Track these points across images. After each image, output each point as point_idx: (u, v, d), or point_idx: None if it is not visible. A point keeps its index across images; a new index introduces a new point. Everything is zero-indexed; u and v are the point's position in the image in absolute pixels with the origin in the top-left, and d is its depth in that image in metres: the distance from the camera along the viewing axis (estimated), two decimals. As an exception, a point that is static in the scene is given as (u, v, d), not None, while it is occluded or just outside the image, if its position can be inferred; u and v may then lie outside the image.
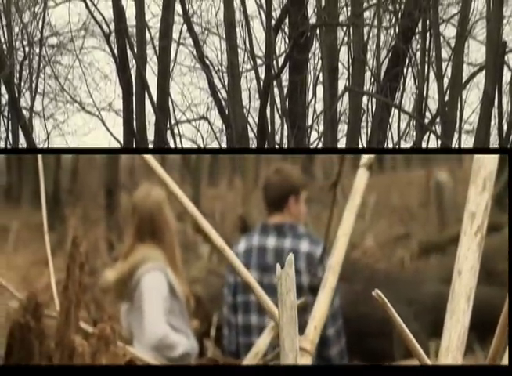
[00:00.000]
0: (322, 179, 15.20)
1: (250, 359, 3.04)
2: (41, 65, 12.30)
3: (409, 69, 11.40)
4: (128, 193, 10.67)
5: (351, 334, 4.42)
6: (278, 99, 11.03)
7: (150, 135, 11.12)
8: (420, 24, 10.77)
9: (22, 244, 10.56)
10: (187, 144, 12.37)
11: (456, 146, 10.24)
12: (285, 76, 11.26)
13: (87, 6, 11.45)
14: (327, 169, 16.08)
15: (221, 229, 7.62)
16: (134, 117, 11.01)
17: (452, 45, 10.78)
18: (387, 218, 12.07)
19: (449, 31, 11.48)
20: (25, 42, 12.18)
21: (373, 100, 11.01)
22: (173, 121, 11.65)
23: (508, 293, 2.03)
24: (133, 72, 11.10)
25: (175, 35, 11.43)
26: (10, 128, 12.46)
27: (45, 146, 12.90)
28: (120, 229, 10.06)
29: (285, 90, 11.22)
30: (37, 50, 12.10)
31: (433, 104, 11.20)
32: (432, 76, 10.70)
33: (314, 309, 2.80)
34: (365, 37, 10.83)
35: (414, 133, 11.09)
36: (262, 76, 10.25)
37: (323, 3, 10.65)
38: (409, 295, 6.44)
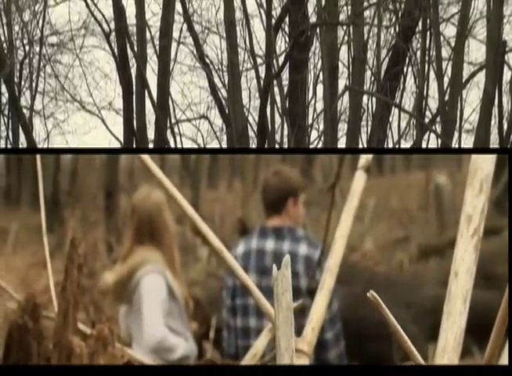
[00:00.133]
0: (321, 182, 15.18)
1: (247, 360, 3.05)
2: (42, 64, 12.31)
3: (409, 68, 11.41)
4: (128, 195, 10.66)
5: (351, 337, 4.42)
6: (278, 98, 11.04)
7: (150, 134, 11.14)
8: (420, 23, 10.77)
9: (21, 246, 10.55)
10: (187, 143, 12.40)
11: (456, 146, 10.25)
12: (285, 75, 11.28)
13: (87, 5, 11.46)
14: (326, 171, 16.07)
15: (220, 232, 7.63)
16: (134, 116, 11.02)
17: (453, 44, 10.79)
18: (387, 221, 12.06)
19: (449, 30, 11.50)
20: (25, 41, 12.19)
21: (373, 99, 11.01)
22: (173, 120, 11.67)
23: (508, 296, 2.03)
24: (133, 71, 11.11)
25: (175, 34, 11.45)
26: (10, 127, 12.47)
27: (45, 144, 12.91)
28: (119, 231, 10.04)
29: (285, 89, 11.22)
30: (38, 49, 12.11)
31: (433, 103, 11.22)
32: (432, 75, 10.71)
33: (311, 311, 2.80)
34: (366, 36, 10.83)
35: (414, 132, 11.10)
36: (262, 75, 10.26)
37: (323, 2, 10.66)
38: (408, 298, 6.43)
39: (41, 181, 3.67)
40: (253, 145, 10.79)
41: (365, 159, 3.04)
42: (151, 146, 11.05)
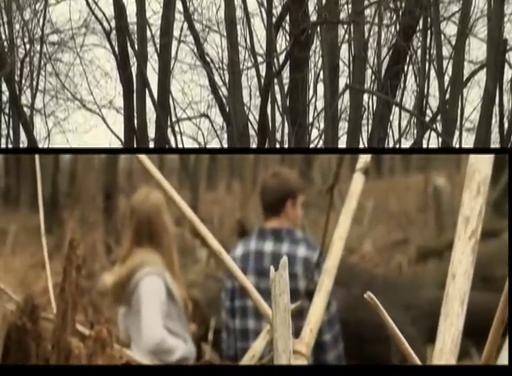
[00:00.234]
0: (320, 183, 15.14)
1: (246, 362, 3.05)
2: (42, 62, 12.32)
3: (410, 67, 11.42)
4: (127, 196, 10.65)
5: (349, 339, 4.41)
6: (279, 97, 11.05)
7: (151, 132, 11.15)
8: (420, 22, 10.77)
9: (20, 247, 10.55)
10: (188, 141, 12.42)
11: (457, 145, 10.24)
12: (286, 74, 11.28)
13: (88, 4, 11.47)
14: (325, 172, 16.03)
15: (219, 234, 7.62)
16: (135, 114, 11.03)
17: (453, 42, 10.79)
18: (385, 224, 12.04)
19: (450, 29, 11.50)
20: (26, 40, 12.20)
21: (374, 98, 11.01)
22: (174, 119, 11.67)
23: (508, 296, 2.03)
24: (134, 69, 11.12)
25: (176, 33, 11.46)
26: (11, 125, 12.48)
27: (46, 143, 12.92)
28: (118, 232, 10.05)
29: (286, 88, 11.22)
30: (38, 47, 12.12)
31: (434, 102, 11.22)
32: (433, 74, 10.71)
33: (309, 313, 2.80)
34: (366, 35, 10.83)
35: (415, 131, 11.10)
36: (263, 73, 10.26)
37: (324, 1, 10.66)
38: (406, 300, 6.41)
39: (40, 182, 3.67)
40: (253, 144, 10.79)
41: (363, 160, 3.03)
42: (152, 144, 11.06)
